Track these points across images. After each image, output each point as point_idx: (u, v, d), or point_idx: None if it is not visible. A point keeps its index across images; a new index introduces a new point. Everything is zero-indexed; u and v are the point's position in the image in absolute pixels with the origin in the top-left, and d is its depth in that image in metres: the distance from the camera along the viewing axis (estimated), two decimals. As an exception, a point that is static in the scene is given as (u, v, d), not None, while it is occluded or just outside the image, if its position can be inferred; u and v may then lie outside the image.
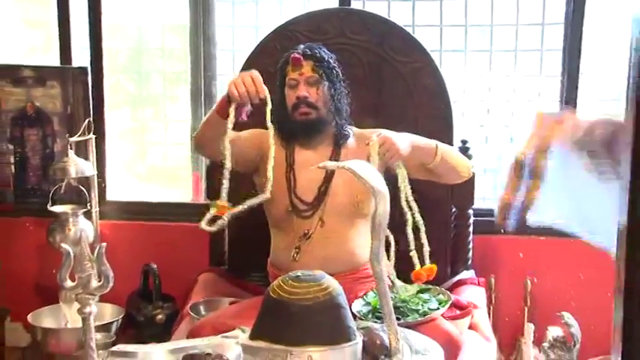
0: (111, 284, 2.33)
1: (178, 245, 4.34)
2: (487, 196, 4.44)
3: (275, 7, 4.59)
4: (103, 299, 3.57)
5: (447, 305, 3.17)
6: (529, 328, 3.41)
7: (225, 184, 3.06)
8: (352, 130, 3.47)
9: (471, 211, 3.95)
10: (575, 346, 3.41)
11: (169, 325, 3.89)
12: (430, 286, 3.30)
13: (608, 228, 2.15)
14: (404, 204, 3.09)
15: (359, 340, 2.43)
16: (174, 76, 4.82)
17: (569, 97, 4.16)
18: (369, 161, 3.01)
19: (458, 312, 3.30)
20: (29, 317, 4.13)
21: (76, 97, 4.46)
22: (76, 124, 4.37)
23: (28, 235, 4.57)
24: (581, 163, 1.99)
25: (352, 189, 3.25)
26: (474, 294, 3.73)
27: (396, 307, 2.82)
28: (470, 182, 3.68)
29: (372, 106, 3.83)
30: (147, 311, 4.17)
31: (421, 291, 3.24)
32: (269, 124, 3.09)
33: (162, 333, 3.91)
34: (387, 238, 2.95)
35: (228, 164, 3.05)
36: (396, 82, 3.86)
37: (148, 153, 4.96)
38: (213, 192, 3.92)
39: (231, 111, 3.06)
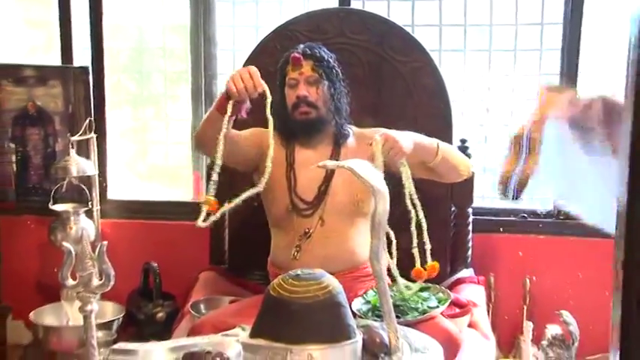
0: (112, 282, 2.33)
1: (179, 244, 4.35)
2: (486, 195, 4.46)
3: (275, 7, 4.60)
4: (104, 297, 3.60)
5: (447, 303, 3.17)
6: (528, 327, 3.42)
7: (215, 177, 3.05)
8: (352, 130, 3.48)
9: (470, 210, 3.96)
10: (573, 344, 3.43)
11: (170, 323, 3.89)
12: (430, 285, 3.30)
13: (599, 205, 2.17)
14: (408, 202, 3.09)
15: (359, 338, 2.45)
16: (175, 76, 4.83)
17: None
18: (373, 161, 3.02)
19: (457, 310, 3.31)
20: (31, 315, 4.14)
21: (77, 96, 4.48)
22: (78, 124, 4.39)
23: (29, 233, 4.59)
24: (576, 138, 2.01)
25: (352, 188, 3.26)
26: (473, 292, 3.73)
27: (395, 306, 2.81)
28: (469, 181, 3.70)
29: (371, 105, 3.84)
30: (147, 309, 4.18)
31: (421, 289, 3.24)
32: (269, 116, 3.07)
33: (162, 331, 3.90)
34: (387, 235, 2.98)
35: (219, 160, 3.04)
36: (396, 82, 3.87)
37: (148, 152, 4.97)
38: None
39: (229, 107, 3.06)
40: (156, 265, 4.22)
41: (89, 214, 4.33)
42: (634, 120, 1.31)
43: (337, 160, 3.26)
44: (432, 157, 3.25)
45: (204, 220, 3.05)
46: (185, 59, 4.68)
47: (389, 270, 3.07)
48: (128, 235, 4.51)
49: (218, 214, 3.07)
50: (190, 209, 3.00)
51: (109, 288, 2.34)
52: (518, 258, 4.23)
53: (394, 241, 3.06)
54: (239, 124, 3.28)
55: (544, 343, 3.46)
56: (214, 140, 3.06)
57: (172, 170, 4.96)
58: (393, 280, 3.18)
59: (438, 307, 3.14)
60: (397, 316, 2.70)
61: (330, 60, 3.40)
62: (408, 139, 3.12)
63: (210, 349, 2.47)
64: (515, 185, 2.07)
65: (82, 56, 4.57)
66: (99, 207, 4.41)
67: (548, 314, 3.72)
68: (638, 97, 1.31)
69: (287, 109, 3.39)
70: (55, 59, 4.58)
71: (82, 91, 4.48)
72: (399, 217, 3.01)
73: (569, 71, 4.17)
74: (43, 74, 4.50)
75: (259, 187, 3.10)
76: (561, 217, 4.23)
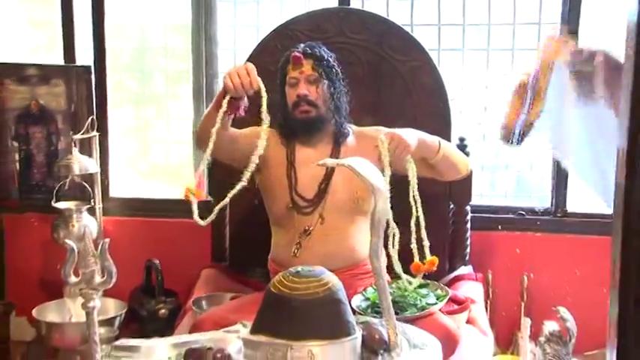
0: (114, 279, 2.34)
1: (180, 241, 4.35)
2: (484, 193, 4.49)
3: (276, 6, 4.61)
4: (107, 294, 3.63)
5: (445, 300, 3.20)
6: (526, 323, 3.42)
7: (202, 166, 3.10)
8: (352, 128, 3.49)
9: (468, 208, 3.97)
10: (570, 340, 3.43)
11: (172, 319, 3.93)
12: (428, 282, 3.33)
13: (590, 161, 2.19)
14: (411, 199, 3.11)
15: (358, 334, 2.47)
16: (177, 75, 4.84)
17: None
18: (381, 161, 3.05)
19: (456, 307, 3.33)
20: (34, 312, 4.14)
21: (79, 95, 4.49)
22: (80, 122, 4.40)
23: (32, 231, 4.60)
24: (576, 89, 2.04)
25: (352, 186, 3.28)
26: (471, 289, 3.75)
27: (394, 302, 2.83)
28: (467, 179, 3.71)
29: (371, 104, 3.86)
30: (149, 306, 4.20)
31: (420, 286, 3.26)
32: (264, 115, 3.08)
33: (164, 327, 3.95)
34: (389, 229, 3.01)
35: (208, 152, 3.07)
36: (395, 81, 3.88)
37: (150, 150, 4.98)
38: (214, 189, 3.97)
39: (224, 102, 3.07)
40: (158, 262, 4.23)
41: (91, 211, 4.34)
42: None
43: (337, 158, 3.27)
44: (433, 154, 3.28)
45: (204, 219, 3.06)
46: (186, 58, 4.69)
47: (388, 267, 3.11)
48: (130, 233, 4.52)
49: (214, 215, 3.09)
50: (191, 208, 3.01)
51: (112, 285, 2.35)
52: (516, 255, 4.25)
53: (397, 236, 3.08)
54: (239, 123, 3.30)
55: (541, 339, 3.47)
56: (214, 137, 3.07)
57: (174, 168, 4.96)
58: (393, 276, 3.21)
59: (436, 303, 3.15)
60: (396, 313, 2.71)
61: (330, 59, 3.41)
62: (412, 136, 3.14)
63: (211, 345, 2.50)
64: (520, 131, 2.10)
65: (84, 55, 4.58)
66: (101, 205, 4.41)
67: (545, 311, 3.72)
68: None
69: (287, 108, 3.40)
70: (57, 58, 4.59)
71: (84, 90, 4.49)
72: (399, 215, 3.04)
73: (567, 70, 4.18)
74: (45, 73, 4.51)
75: (243, 182, 3.09)
76: (559, 215, 4.26)
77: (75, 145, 4.21)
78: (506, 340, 4.22)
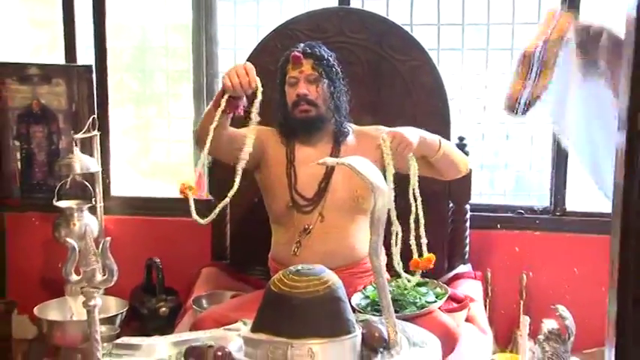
0: (115, 278, 2.33)
1: (181, 240, 4.36)
2: (484, 192, 4.50)
3: (276, 6, 4.63)
4: (108, 292, 3.64)
5: (444, 298, 3.20)
6: (525, 321, 3.43)
7: (200, 165, 3.11)
8: (351, 128, 3.49)
9: (467, 207, 3.99)
10: (569, 338, 3.44)
11: (172, 317, 3.94)
12: (428, 280, 3.33)
13: (587, 141, 2.20)
14: (411, 196, 3.12)
15: (358, 332, 2.48)
16: (177, 75, 4.86)
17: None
18: (381, 160, 3.07)
19: (455, 305, 3.34)
20: (35, 310, 4.14)
21: (80, 94, 4.50)
22: (81, 121, 4.40)
23: (34, 229, 4.61)
24: (581, 65, 2.05)
25: (352, 185, 3.28)
26: (470, 287, 3.77)
27: (394, 300, 2.83)
28: (467, 178, 3.72)
29: (371, 103, 3.87)
30: (150, 304, 4.21)
31: (419, 284, 3.26)
32: (254, 115, 3.08)
33: (165, 326, 3.96)
34: (393, 227, 3.02)
35: (206, 150, 3.07)
36: (395, 80, 3.89)
37: (151, 149, 4.99)
38: (215, 188, 3.99)
39: (223, 101, 3.07)
40: (158, 260, 4.24)
41: (93, 210, 4.35)
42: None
43: (337, 157, 3.26)
44: (434, 152, 3.29)
45: (204, 218, 3.06)
46: (187, 58, 4.70)
47: (388, 265, 3.12)
48: (131, 231, 4.52)
49: (215, 214, 3.08)
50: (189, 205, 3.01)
51: (113, 283, 2.34)
52: (515, 254, 4.26)
53: (400, 234, 3.09)
54: (239, 123, 3.31)
55: (540, 337, 3.48)
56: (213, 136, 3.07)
57: (174, 167, 4.97)
58: (393, 275, 3.22)
59: (435, 301, 3.16)
60: (396, 311, 2.72)
61: (330, 59, 3.41)
62: (413, 134, 3.15)
63: (212, 344, 2.50)
64: (525, 102, 2.11)
65: (85, 55, 4.59)
66: (102, 203, 4.42)
67: (544, 309, 3.72)
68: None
69: (287, 107, 3.41)
70: (59, 58, 4.60)
71: (85, 90, 4.50)
72: (399, 213, 3.05)
73: (566, 70, 4.19)
74: (47, 73, 4.52)
75: (237, 182, 3.07)
76: (558, 214, 4.27)
77: (76, 145, 4.22)
78: (505, 339, 4.23)
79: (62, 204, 4.27)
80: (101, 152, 4.43)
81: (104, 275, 2.33)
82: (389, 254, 3.15)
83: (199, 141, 3.27)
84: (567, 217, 4.26)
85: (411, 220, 3.11)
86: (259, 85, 3.07)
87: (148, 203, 4.68)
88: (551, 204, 4.28)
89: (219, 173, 3.82)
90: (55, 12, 4.58)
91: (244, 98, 3.14)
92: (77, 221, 4.23)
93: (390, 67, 3.89)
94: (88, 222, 4.25)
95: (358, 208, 3.37)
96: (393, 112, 3.80)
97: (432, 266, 3.14)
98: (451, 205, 3.97)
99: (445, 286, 3.37)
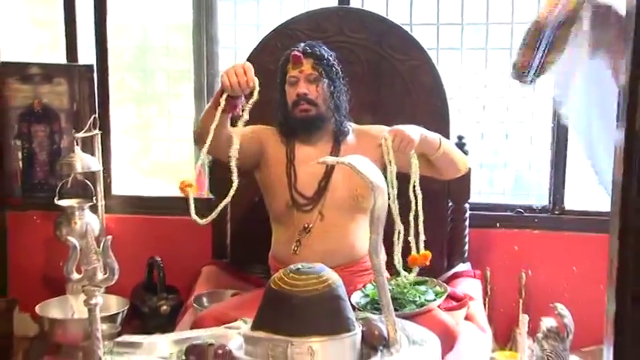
0: (116, 276, 2.33)
1: (182, 238, 4.35)
2: (483, 191, 4.51)
3: (276, 6, 4.64)
4: (109, 291, 3.60)
5: (444, 296, 3.21)
6: (523, 319, 3.45)
7: (199, 163, 3.10)
8: (351, 127, 3.50)
9: (467, 205, 4.00)
10: (568, 336, 3.45)
11: (173, 316, 3.95)
12: (427, 278, 3.34)
13: (586, 122, 2.21)
14: (411, 193, 3.13)
15: (358, 330, 2.49)
16: (178, 74, 4.87)
17: (563, 93, 4.21)
18: (382, 159, 3.08)
19: (454, 303, 3.35)
20: (37, 308, 4.15)
21: (82, 94, 4.51)
22: (82, 121, 4.40)
23: (35, 228, 4.61)
24: (589, 42, 2.05)
25: (352, 183, 3.29)
26: (470, 286, 3.78)
27: (393, 299, 2.83)
28: (466, 177, 3.73)
29: (370, 103, 3.87)
30: (151, 303, 4.21)
31: (418, 283, 3.28)
32: (245, 113, 3.06)
33: (166, 324, 3.96)
34: (396, 224, 3.03)
35: (205, 149, 3.06)
36: (395, 80, 3.90)
37: (152, 149, 5.00)
38: (215, 187, 4.00)
39: (222, 100, 3.06)
40: (159, 259, 4.24)
41: (94, 209, 4.35)
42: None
43: (337, 156, 3.27)
44: (434, 150, 3.29)
45: (204, 217, 3.05)
46: (188, 58, 4.71)
47: (388, 264, 3.13)
48: (132, 230, 4.53)
49: (215, 214, 3.07)
50: (193, 205, 3.01)
51: (114, 282, 2.34)
52: (514, 252, 4.26)
53: (402, 233, 3.10)
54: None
55: (539, 335, 3.49)
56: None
57: (175, 166, 4.98)
58: (392, 273, 3.23)
59: (435, 300, 3.16)
60: (395, 309, 2.72)
61: (330, 58, 3.42)
62: (414, 131, 3.17)
63: (212, 342, 2.52)
64: (535, 71, 2.12)
65: (86, 55, 4.59)
66: (103, 202, 4.42)
67: (543, 307, 3.72)
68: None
69: (287, 107, 3.41)
70: (60, 58, 4.60)
71: (86, 89, 4.51)
72: (399, 211, 3.06)
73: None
74: (48, 72, 4.53)
75: (235, 179, 3.05)
76: (556, 213, 4.28)
77: (77, 144, 4.23)
78: (504, 337, 4.24)
79: (63, 203, 4.27)
80: (102, 151, 4.43)
81: (105, 274, 2.33)
82: (389, 253, 3.16)
83: (199, 140, 3.27)
84: (566, 216, 4.28)
85: (411, 218, 3.12)
86: (257, 84, 3.07)
87: (149, 202, 4.68)
88: (550, 203, 4.30)
89: (219, 172, 3.82)
90: (56, 12, 4.58)
91: (243, 98, 3.13)
92: (78, 220, 4.23)
93: (390, 67, 3.90)
94: (89, 221, 4.25)
95: (358, 207, 3.37)
96: (393, 112, 3.81)
97: (427, 263, 3.15)
98: (450, 204, 3.98)
99: (444, 284, 3.38)
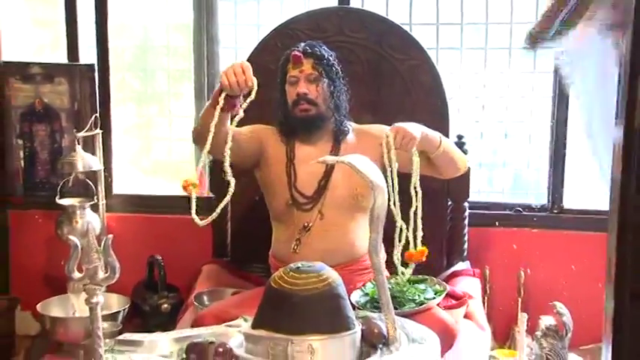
0: (117, 275, 2.33)
1: (182, 237, 4.35)
2: (482, 190, 4.52)
3: (276, 6, 4.65)
4: (110, 289, 3.64)
5: (443, 295, 3.22)
6: (522, 318, 3.45)
7: (202, 163, 3.09)
8: (351, 126, 3.50)
9: (466, 204, 4.01)
10: (567, 334, 3.46)
11: (174, 314, 3.96)
12: (426, 277, 3.36)
13: (588, 103, 2.20)
14: (412, 189, 3.13)
15: (358, 329, 2.50)
16: (179, 74, 4.88)
17: (562, 93, 4.21)
18: (382, 157, 3.10)
19: (453, 302, 3.36)
20: (39, 306, 4.18)
21: (83, 93, 4.53)
22: (83, 120, 4.42)
23: (37, 227, 4.63)
24: (604, 15, 2.05)
25: (351, 182, 3.29)
26: (469, 285, 3.80)
27: (393, 297, 2.83)
28: (465, 176, 3.74)
29: (370, 102, 3.88)
30: (152, 301, 4.23)
31: (417, 281, 3.29)
32: (241, 111, 3.05)
33: (167, 322, 3.97)
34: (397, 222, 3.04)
35: (207, 149, 3.04)
36: (394, 79, 3.91)
37: (152, 148, 5.01)
38: (216, 186, 4.01)
39: (221, 99, 3.06)
40: (160, 258, 4.26)
41: (95, 208, 4.36)
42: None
43: (337, 155, 3.28)
44: (434, 149, 3.29)
45: (204, 216, 3.07)
46: (188, 57, 4.72)
47: (387, 262, 3.14)
48: (133, 229, 4.54)
49: (215, 214, 3.06)
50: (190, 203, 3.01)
51: (115, 280, 2.34)
52: (513, 251, 4.28)
53: (404, 232, 3.11)
54: (239, 121, 3.31)
55: (538, 333, 3.50)
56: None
57: (175, 165, 4.99)
58: (392, 272, 3.24)
59: (434, 298, 3.17)
60: (395, 308, 2.73)
61: (330, 58, 3.42)
62: (416, 128, 3.18)
63: (213, 340, 2.53)
64: (551, 35, 2.12)
65: (87, 54, 4.61)
66: (104, 201, 4.43)
67: (542, 306, 3.73)
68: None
69: (287, 106, 3.41)
70: (61, 57, 4.62)
71: (87, 89, 4.53)
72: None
73: (563, 69, 4.22)
74: (49, 72, 4.54)
75: (230, 177, 3.05)
76: (555, 212, 4.29)
77: (78, 143, 4.23)
78: (503, 335, 4.25)
79: (65, 202, 4.28)
80: (103, 150, 4.44)
81: (106, 272, 2.33)
82: (388, 251, 3.17)
83: (197, 139, 3.29)
84: (565, 215, 4.29)
85: (411, 213, 3.13)
86: (255, 83, 3.07)
87: (150, 201, 4.70)
88: (548, 202, 4.31)
89: (219, 172, 3.81)
90: (57, 12, 4.60)
91: (241, 97, 3.13)
92: (79, 219, 4.24)
93: (390, 67, 3.91)
94: (90, 219, 4.26)
95: (358, 206, 3.38)
96: (393, 111, 3.80)
97: (424, 259, 3.13)
98: (450, 202, 3.99)
99: (444, 283, 3.39)
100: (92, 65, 4.55)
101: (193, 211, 2.98)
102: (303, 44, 3.44)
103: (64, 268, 2.34)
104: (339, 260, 3.27)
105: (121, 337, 2.71)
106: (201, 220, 3.01)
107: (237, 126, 3.15)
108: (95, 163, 4.28)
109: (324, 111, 3.40)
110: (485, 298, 4.15)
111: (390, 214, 2.72)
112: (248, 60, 3.68)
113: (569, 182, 4.29)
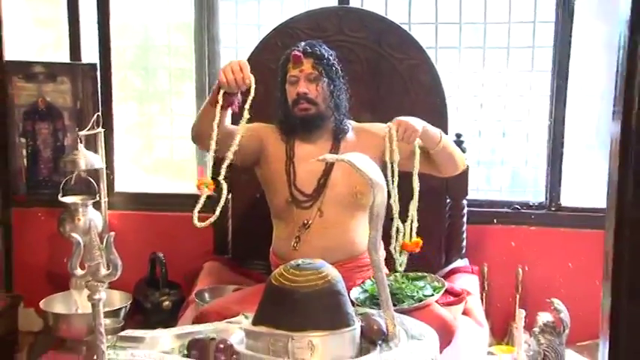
0: (119, 272, 2.31)
1: (184, 235, 4.28)
2: (480, 188, 4.53)
3: (276, 5, 4.66)
4: (112, 286, 3.68)
5: (441, 292, 3.23)
6: (520, 314, 3.47)
7: (209, 164, 3.06)
8: (351, 124, 3.51)
9: (464, 202, 4.03)
10: (564, 331, 3.49)
11: (175, 311, 3.98)
12: (425, 274, 3.38)
13: None
14: (414, 183, 3.18)
15: (357, 325, 2.52)
16: (180, 73, 4.89)
17: (560, 92, 4.25)
18: (382, 156, 3.13)
19: (452, 298, 3.36)
20: (41, 303, 4.21)
21: (85, 92, 4.56)
22: (86, 119, 4.45)
23: (39, 224, 4.66)
24: None
25: (351, 180, 3.30)
26: (467, 281, 3.82)
27: (392, 294, 2.84)
28: (464, 174, 3.74)
29: (370, 101, 3.89)
30: (154, 298, 4.26)
31: (416, 278, 3.31)
32: (246, 112, 3.05)
33: (168, 319, 4.00)
34: (394, 220, 3.06)
35: (213, 146, 3.02)
36: (394, 78, 3.93)
37: (154, 146, 5.02)
38: (216, 186, 4.02)
39: (220, 97, 3.07)
40: (162, 255, 4.29)
41: (97, 206, 4.38)
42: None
43: (337, 154, 3.29)
44: (434, 144, 3.30)
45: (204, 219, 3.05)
46: (189, 57, 4.74)
47: (387, 260, 3.16)
48: (135, 226, 4.57)
49: (215, 216, 3.06)
50: (194, 201, 3.01)
51: (117, 277, 2.33)
52: (511, 248, 4.30)
53: (402, 233, 3.13)
54: (240, 120, 3.33)
55: (536, 330, 3.52)
56: (209, 133, 3.05)
57: (177, 164, 5.00)
58: (391, 269, 3.26)
59: (433, 295, 3.18)
60: (394, 304, 2.74)
61: (330, 57, 3.42)
62: (417, 121, 3.20)
63: (214, 336, 2.55)
64: None
65: (89, 54, 4.63)
66: (106, 199, 4.47)
67: (539, 302, 3.75)
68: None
69: (287, 105, 3.42)
70: (64, 56, 4.64)
71: (89, 88, 4.56)
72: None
73: (561, 68, 4.23)
74: (52, 71, 4.57)
75: (223, 176, 3.05)
76: (553, 209, 4.31)
77: (81, 141, 4.26)
78: (501, 331, 4.27)
79: (67, 200, 4.30)
80: (105, 149, 4.47)
81: (108, 269, 2.32)
82: (388, 249, 3.20)
83: (196, 137, 3.30)
84: (562, 213, 4.32)
85: (411, 207, 3.16)
86: (253, 81, 3.07)
87: (151, 199, 4.72)
88: (546, 199, 4.34)
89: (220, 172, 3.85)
90: (60, 11, 4.62)
91: (239, 94, 3.13)
92: (82, 216, 4.26)
93: (389, 66, 3.92)
94: (92, 217, 4.28)
95: (357, 203, 3.38)
96: (392, 110, 3.76)
97: (418, 249, 3.16)
98: (448, 200, 4.00)
99: (442, 280, 3.39)
100: (94, 64, 4.58)
101: (196, 210, 2.98)
102: (303, 44, 3.44)
103: (67, 266, 2.34)
104: (338, 257, 3.28)
105: (122, 333, 2.71)
106: (200, 221, 3.01)
107: (235, 124, 3.16)
108: (97, 161, 4.31)
109: (324, 110, 3.40)
110: (484, 294, 4.17)
111: (388, 210, 2.73)
112: (249, 59, 3.68)
113: (567, 180, 4.31)
